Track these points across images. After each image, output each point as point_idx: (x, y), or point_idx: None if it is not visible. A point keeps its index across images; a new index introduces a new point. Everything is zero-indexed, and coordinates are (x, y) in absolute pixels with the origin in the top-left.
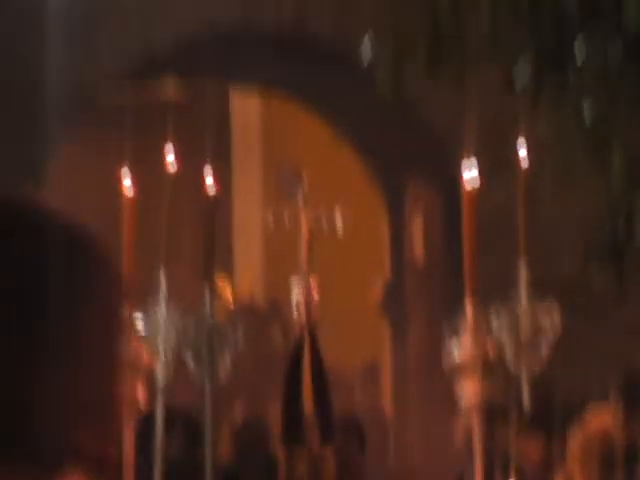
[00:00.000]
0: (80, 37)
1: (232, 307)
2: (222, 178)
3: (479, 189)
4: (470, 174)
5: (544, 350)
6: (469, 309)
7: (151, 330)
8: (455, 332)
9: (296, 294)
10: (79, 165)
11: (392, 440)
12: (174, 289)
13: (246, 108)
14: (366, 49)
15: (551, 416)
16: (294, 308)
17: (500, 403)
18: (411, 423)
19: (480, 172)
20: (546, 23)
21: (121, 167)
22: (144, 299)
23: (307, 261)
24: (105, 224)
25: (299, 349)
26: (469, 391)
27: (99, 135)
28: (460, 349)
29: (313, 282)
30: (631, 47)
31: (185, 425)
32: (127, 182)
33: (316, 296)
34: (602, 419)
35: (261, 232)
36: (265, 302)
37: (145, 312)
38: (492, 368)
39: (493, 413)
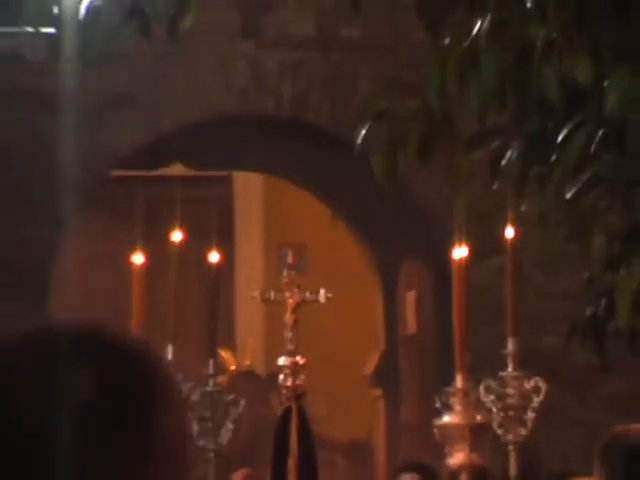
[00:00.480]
0: (92, 122)
1: (234, 377)
2: (225, 256)
3: (468, 267)
4: (460, 253)
5: (530, 418)
6: (459, 381)
7: None
8: (446, 402)
9: (283, 367)
10: (92, 242)
11: None
12: (180, 360)
13: (248, 189)
14: (360, 136)
15: None
16: (281, 381)
17: (487, 468)
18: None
19: (470, 251)
20: (532, 113)
21: (132, 246)
22: None
23: (293, 336)
24: (117, 298)
25: (286, 420)
26: (457, 457)
27: (109, 214)
28: (450, 418)
29: (300, 357)
30: (610, 136)
31: None
32: (138, 259)
33: (302, 368)
34: None
35: (261, 306)
36: (264, 370)
37: None
38: (480, 435)
39: (480, 477)
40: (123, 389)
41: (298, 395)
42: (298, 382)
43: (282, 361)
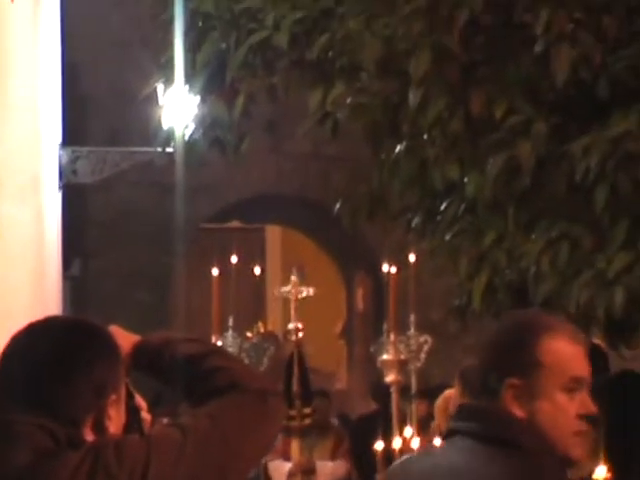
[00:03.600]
0: (191, 198)
1: (264, 335)
2: (262, 271)
3: (395, 275)
4: (389, 268)
5: (422, 357)
6: (391, 336)
7: (224, 346)
8: (382, 348)
9: (291, 329)
10: (191, 264)
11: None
12: (236, 326)
13: (273, 234)
14: (337, 207)
15: (429, 391)
16: (289, 336)
17: (403, 382)
18: (357, 385)
19: (396, 267)
20: (427, 195)
21: (211, 265)
22: (223, 333)
23: (295, 313)
24: (205, 297)
25: (292, 357)
26: (390, 377)
27: (200, 247)
28: (385, 355)
29: (299, 324)
30: (468, 207)
31: None
32: (215, 272)
33: (300, 330)
34: (451, 392)
35: (279, 298)
36: (282, 334)
37: (222, 338)
38: (400, 367)
39: (401, 389)
40: (75, 347)
41: (298, 345)
42: (299, 337)
43: (290, 326)
